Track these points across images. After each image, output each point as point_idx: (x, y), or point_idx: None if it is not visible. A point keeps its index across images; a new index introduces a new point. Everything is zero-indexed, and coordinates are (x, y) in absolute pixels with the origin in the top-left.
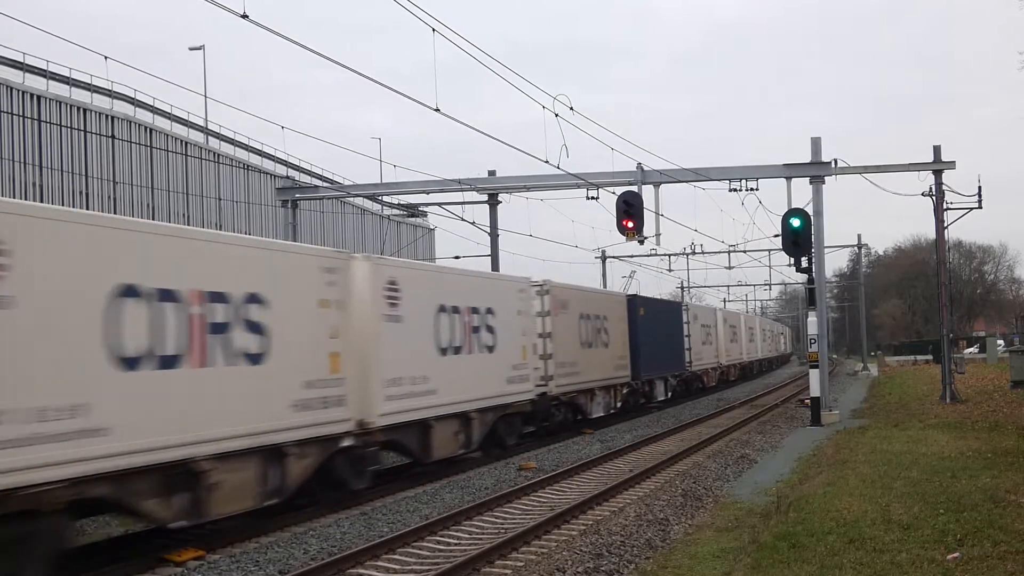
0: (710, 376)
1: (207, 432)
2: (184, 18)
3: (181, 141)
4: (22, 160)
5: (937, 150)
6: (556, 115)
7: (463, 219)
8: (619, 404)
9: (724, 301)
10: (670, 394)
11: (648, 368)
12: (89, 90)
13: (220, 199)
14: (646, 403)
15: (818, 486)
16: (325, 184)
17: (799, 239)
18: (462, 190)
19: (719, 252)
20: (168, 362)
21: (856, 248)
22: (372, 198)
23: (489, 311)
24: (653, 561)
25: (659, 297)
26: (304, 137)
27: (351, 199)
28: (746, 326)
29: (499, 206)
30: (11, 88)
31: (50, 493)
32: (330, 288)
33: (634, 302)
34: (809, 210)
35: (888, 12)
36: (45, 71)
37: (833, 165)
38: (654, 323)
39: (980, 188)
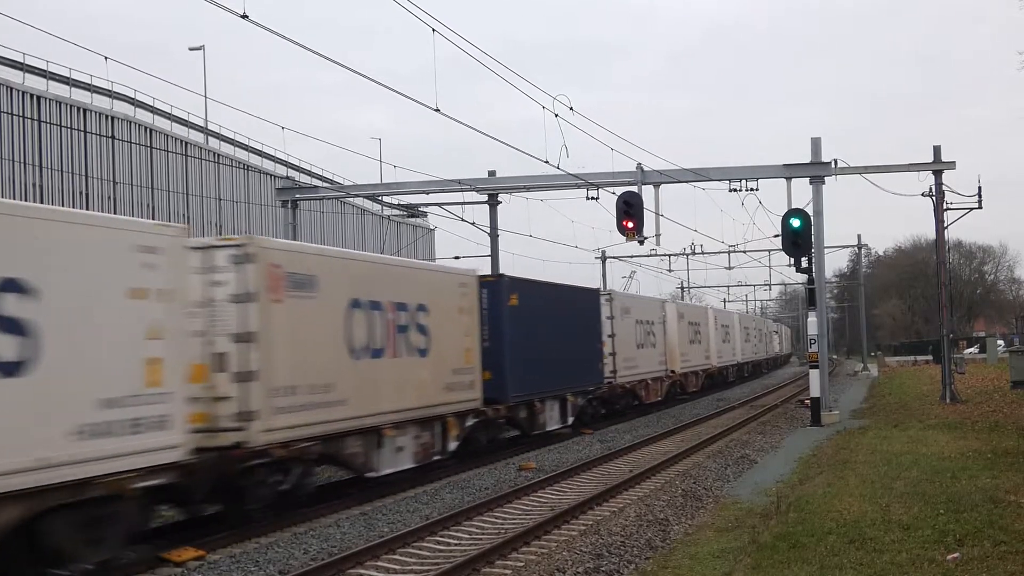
0: (652, 389)
1: None
2: (184, 18)
3: (181, 141)
4: (22, 160)
5: (937, 150)
6: (556, 115)
7: (463, 219)
8: (453, 445)
9: (724, 301)
10: (571, 419)
11: (525, 384)
12: (89, 90)
13: (220, 199)
14: (522, 436)
15: (818, 486)
16: (325, 184)
17: (799, 239)
18: (462, 190)
19: (719, 252)
20: None
21: (856, 248)
22: (372, 198)
23: (14, 288)
24: (653, 561)
25: (559, 282)
26: (304, 137)
27: (351, 199)
28: (717, 323)
29: (499, 206)
30: (11, 88)
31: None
32: None
33: (497, 286)
34: (809, 210)
35: (888, 12)
36: (45, 71)
37: (833, 165)
38: (540, 317)
39: (980, 188)
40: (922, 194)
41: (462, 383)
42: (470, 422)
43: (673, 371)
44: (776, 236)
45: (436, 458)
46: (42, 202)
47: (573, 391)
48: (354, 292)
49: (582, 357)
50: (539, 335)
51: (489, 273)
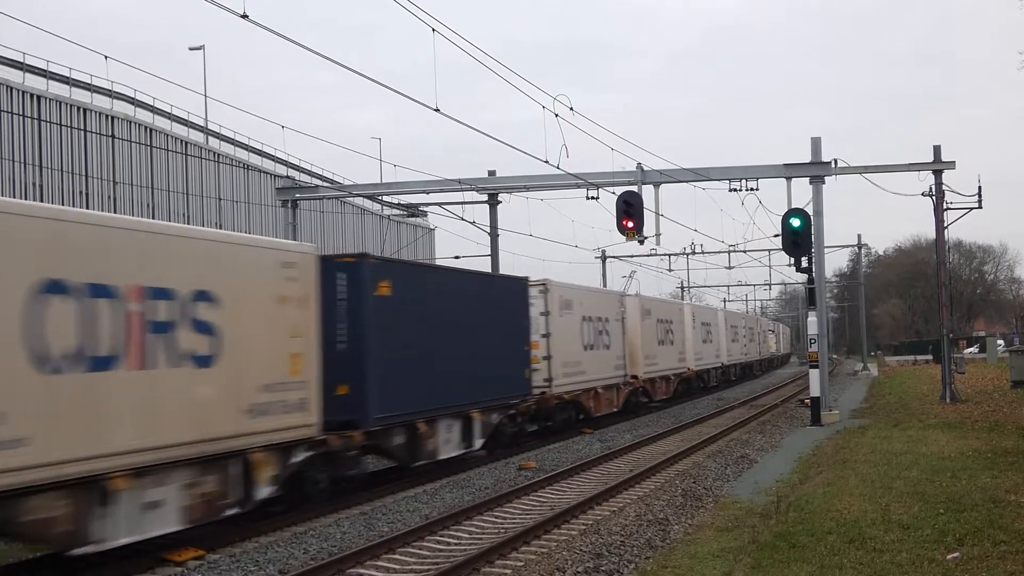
0: (603, 399)
1: None
2: (184, 18)
3: (181, 141)
4: (22, 160)
5: (937, 150)
6: (556, 115)
7: (463, 219)
8: (265, 492)
9: (724, 301)
10: (480, 441)
11: (401, 399)
12: (89, 90)
13: (220, 199)
14: (400, 468)
15: (818, 486)
16: (325, 184)
17: (799, 239)
18: (462, 190)
19: (719, 252)
20: None
21: (856, 248)
22: (372, 198)
23: None
24: (653, 561)
25: (462, 268)
26: (304, 137)
27: (351, 199)
28: (695, 321)
29: (499, 206)
30: (11, 88)
31: None
32: None
33: (357, 269)
34: (809, 210)
35: (888, 12)
36: (45, 71)
37: (833, 165)
38: (430, 312)
39: (980, 188)
40: (922, 194)
41: (283, 403)
42: (299, 456)
43: (635, 376)
44: (776, 236)
45: (232, 512)
46: (42, 202)
47: (483, 406)
48: (48, 268)
49: (498, 363)
50: (427, 335)
51: (347, 253)
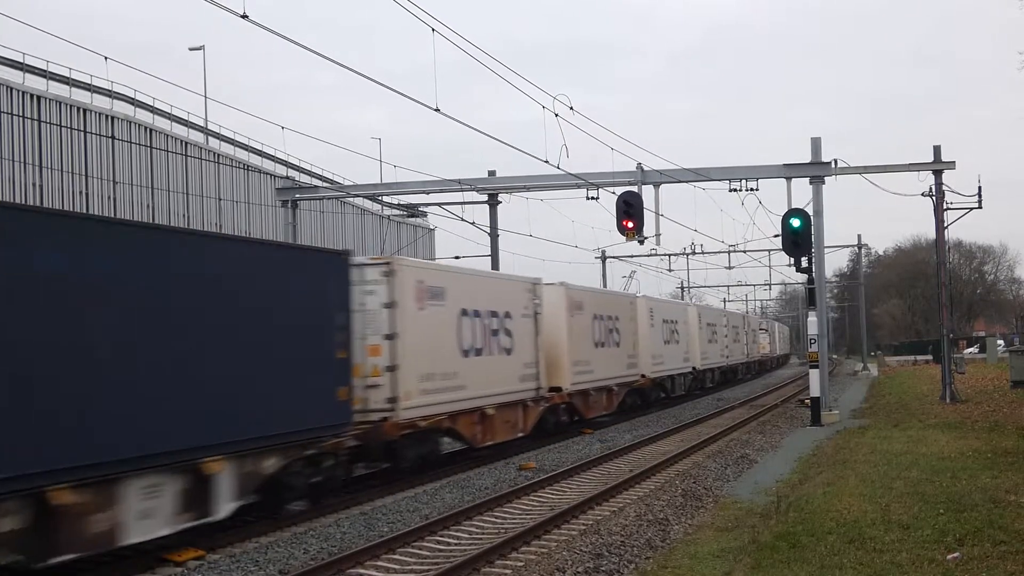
0: (497, 424)
1: None
2: (184, 18)
3: (181, 141)
4: (22, 160)
5: (937, 150)
6: (556, 115)
7: (463, 219)
8: None
9: (724, 301)
10: (233, 506)
11: (11, 450)
12: (89, 90)
13: (220, 199)
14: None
15: (818, 486)
16: (325, 184)
17: (799, 239)
18: (462, 190)
19: (719, 252)
20: None
21: (856, 248)
22: (372, 198)
23: None
24: (653, 561)
25: (215, 232)
26: (304, 137)
27: (351, 199)
28: (653, 318)
29: (499, 206)
30: (11, 88)
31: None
32: None
33: None
34: (809, 210)
35: (889, 12)
36: (45, 71)
37: (833, 165)
38: (106, 294)
39: (980, 188)
40: (922, 194)
41: None
42: None
43: (556, 388)
44: (776, 236)
45: None
46: (42, 202)
47: (236, 449)
48: None
49: (280, 379)
50: (94, 334)
51: None
